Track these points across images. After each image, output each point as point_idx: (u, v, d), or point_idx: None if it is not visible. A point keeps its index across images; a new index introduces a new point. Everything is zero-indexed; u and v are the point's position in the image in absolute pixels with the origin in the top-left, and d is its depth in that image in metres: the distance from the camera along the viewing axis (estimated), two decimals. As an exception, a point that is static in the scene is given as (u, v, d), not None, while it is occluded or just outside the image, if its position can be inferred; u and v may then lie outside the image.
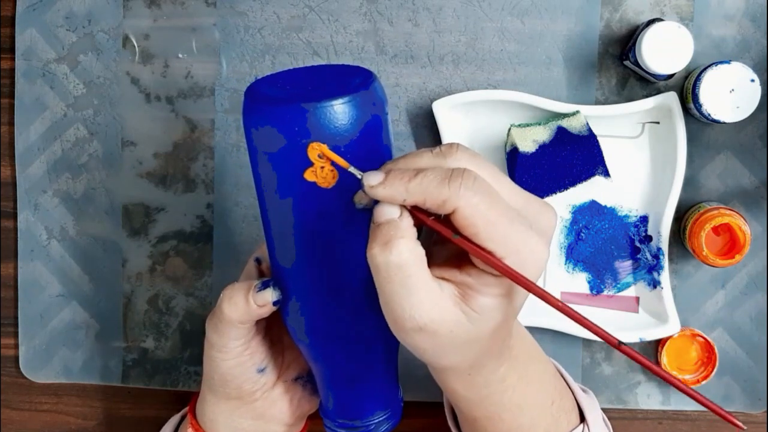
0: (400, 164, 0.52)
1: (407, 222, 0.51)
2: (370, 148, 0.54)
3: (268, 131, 0.53)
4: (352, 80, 0.55)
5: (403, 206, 0.51)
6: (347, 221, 0.54)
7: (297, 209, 0.54)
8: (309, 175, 0.53)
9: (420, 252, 0.50)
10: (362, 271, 0.56)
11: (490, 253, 0.49)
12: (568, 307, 0.50)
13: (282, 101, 0.53)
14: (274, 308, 0.59)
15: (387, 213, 0.51)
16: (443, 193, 0.49)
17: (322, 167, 0.53)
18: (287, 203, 0.55)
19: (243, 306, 0.58)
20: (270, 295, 0.58)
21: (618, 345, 0.49)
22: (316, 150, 0.52)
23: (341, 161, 0.52)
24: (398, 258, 0.50)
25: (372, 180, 0.50)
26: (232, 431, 0.65)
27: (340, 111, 0.52)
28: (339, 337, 0.58)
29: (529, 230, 0.50)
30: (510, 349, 0.57)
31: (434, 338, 0.51)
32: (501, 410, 0.59)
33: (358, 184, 0.53)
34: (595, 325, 0.50)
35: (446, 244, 0.54)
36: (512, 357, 0.58)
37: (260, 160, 0.55)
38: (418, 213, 0.51)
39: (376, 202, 0.51)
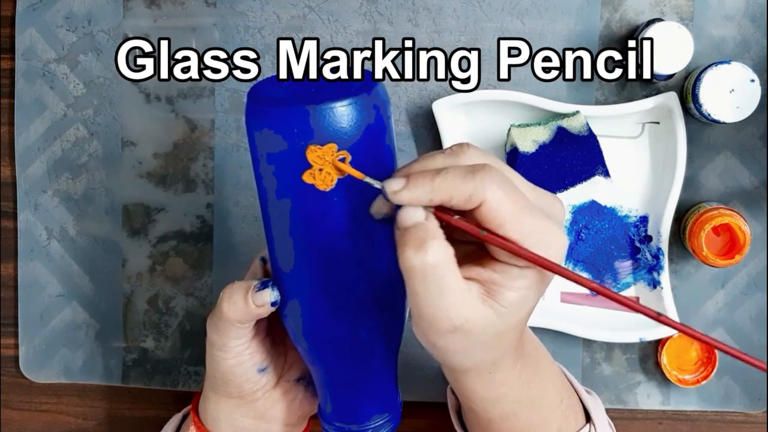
0: (414, 168, 0.52)
1: (435, 223, 0.51)
2: (372, 150, 0.54)
3: (268, 132, 0.53)
4: (355, 83, 0.55)
5: (426, 209, 0.51)
6: (346, 224, 0.54)
7: (295, 211, 0.54)
8: (307, 177, 0.53)
9: (451, 252, 0.50)
10: (362, 275, 0.56)
11: (515, 243, 0.50)
12: (604, 287, 0.51)
13: (283, 102, 0.53)
14: (273, 309, 0.59)
15: (413, 216, 0.50)
16: (469, 187, 0.49)
17: (320, 169, 0.53)
18: (286, 205, 0.55)
19: (242, 306, 0.58)
20: (268, 296, 0.58)
21: (657, 317, 0.50)
22: (314, 152, 0.52)
23: (356, 173, 0.52)
24: (433, 258, 0.50)
25: (394, 185, 0.50)
26: (233, 430, 0.65)
27: (341, 113, 0.52)
28: (337, 340, 0.58)
29: (548, 219, 0.51)
30: (522, 344, 0.58)
31: (467, 338, 0.52)
32: (517, 408, 0.59)
33: (357, 187, 0.53)
34: (631, 300, 0.51)
35: (459, 246, 0.54)
36: (525, 353, 0.58)
37: (261, 161, 0.55)
38: (441, 214, 0.51)
39: (396, 208, 0.51)
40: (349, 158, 0.53)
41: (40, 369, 0.86)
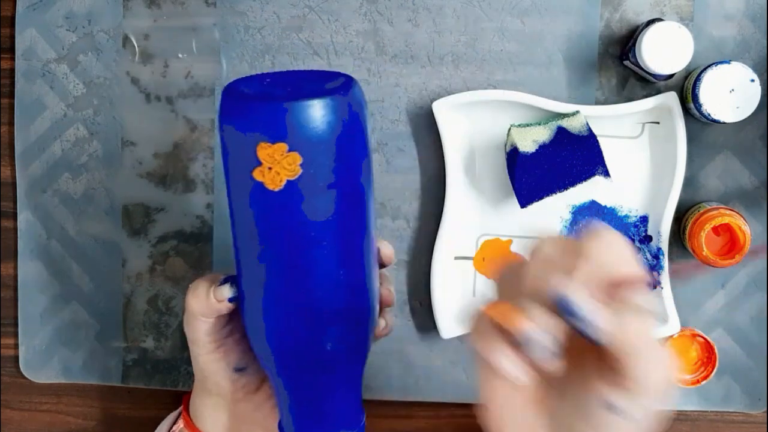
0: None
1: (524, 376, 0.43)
2: (332, 155, 0.53)
3: (228, 127, 0.53)
4: (324, 86, 0.54)
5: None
6: (293, 227, 0.53)
7: (246, 207, 0.54)
8: (257, 175, 0.52)
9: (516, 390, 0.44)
10: (309, 284, 0.55)
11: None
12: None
13: (247, 98, 0.53)
14: (231, 305, 0.58)
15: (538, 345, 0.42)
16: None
17: (269, 168, 0.52)
18: (239, 200, 0.55)
19: (204, 299, 0.58)
20: (227, 292, 0.58)
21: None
22: (264, 149, 0.52)
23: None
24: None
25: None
26: (218, 429, 0.65)
27: (295, 114, 0.52)
28: (294, 350, 0.56)
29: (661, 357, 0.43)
30: None
31: None
32: None
33: (307, 190, 0.52)
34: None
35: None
36: None
37: (222, 155, 0.55)
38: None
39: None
40: (299, 160, 0.52)
41: (40, 369, 0.86)
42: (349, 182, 0.54)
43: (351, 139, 0.54)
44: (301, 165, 0.52)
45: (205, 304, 0.58)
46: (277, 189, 0.52)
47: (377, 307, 0.59)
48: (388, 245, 0.61)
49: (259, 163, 0.52)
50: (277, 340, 0.57)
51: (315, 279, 0.55)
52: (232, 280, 0.58)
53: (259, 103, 0.52)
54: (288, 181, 0.52)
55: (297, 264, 0.54)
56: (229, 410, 0.64)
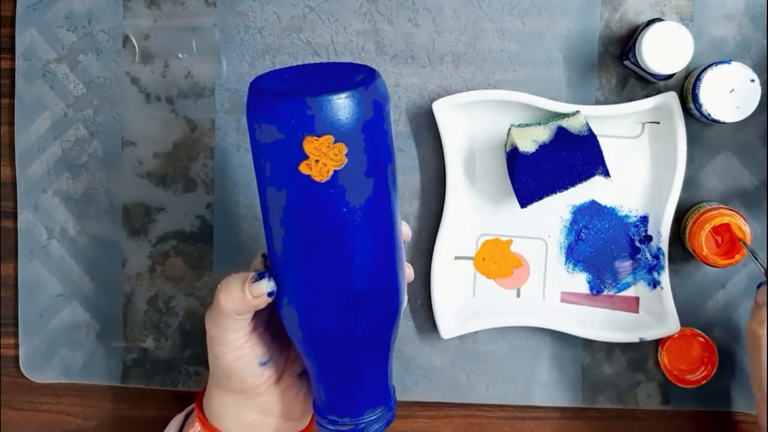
0: None
1: None
2: (369, 144, 0.55)
3: (266, 123, 0.54)
4: (354, 77, 0.56)
5: None
6: (340, 216, 0.55)
7: (290, 201, 0.55)
8: (303, 168, 0.54)
9: None
10: (355, 268, 0.57)
11: None
12: None
13: (282, 95, 0.54)
14: (269, 299, 0.59)
15: None
16: None
17: (316, 160, 0.53)
18: (282, 195, 0.55)
19: (239, 297, 0.59)
20: (265, 286, 0.58)
21: None
22: (311, 143, 0.53)
23: (743, 243, 0.62)
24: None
25: None
26: (238, 426, 0.65)
27: (339, 105, 0.53)
28: (330, 333, 0.58)
29: None
30: None
31: None
32: None
33: (353, 178, 0.54)
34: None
35: None
36: None
37: (259, 152, 0.56)
38: None
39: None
40: (345, 150, 0.54)
41: (40, 369, 0.86)
42: (382, 166, 0.57)
43: (381, 123, 0.56)
44: (346, 155, 0.54)
45: (240, 301, 0.59)
46: (324, 180, 0.54)
47: (405, 286, 0.62)
48: (405, 223, 0.64)
49: (306, 157, 0.54)
50: (311, 325, 0.59)
51: (357, 263, 0.57)
52: (267, 275, 0.59)
53: (301, 99, 0.53)
54: (335, 172, 0.54)
55: (341, 250, 0.56)
56: (252, 405, 0.64)
